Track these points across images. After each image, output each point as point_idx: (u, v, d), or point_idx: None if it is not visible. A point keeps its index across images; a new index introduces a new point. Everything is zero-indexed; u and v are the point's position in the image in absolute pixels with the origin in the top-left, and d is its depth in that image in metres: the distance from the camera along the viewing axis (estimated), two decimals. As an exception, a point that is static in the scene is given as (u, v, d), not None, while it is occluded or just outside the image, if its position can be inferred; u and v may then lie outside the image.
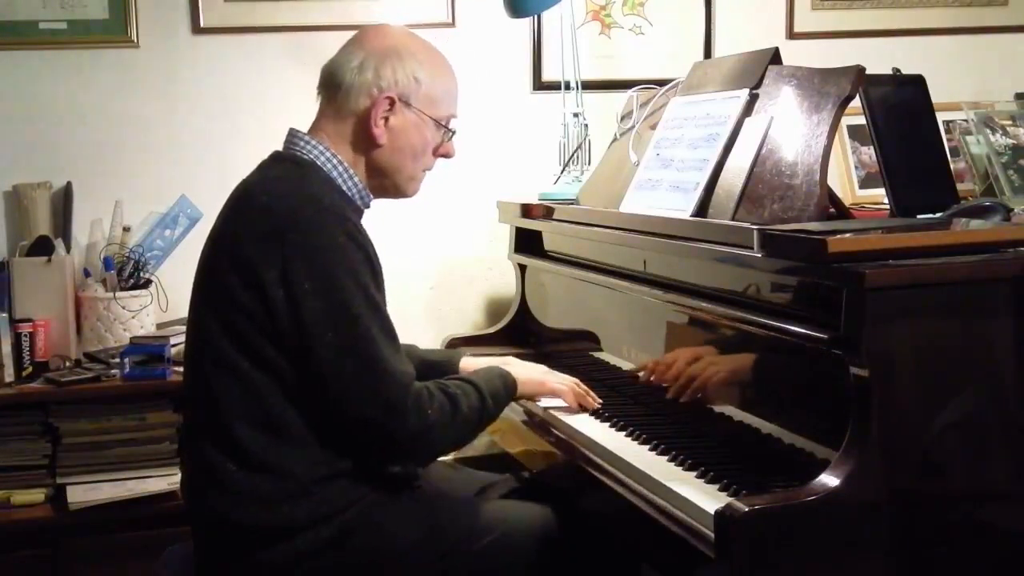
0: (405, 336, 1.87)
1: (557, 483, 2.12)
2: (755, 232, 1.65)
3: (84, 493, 2.46)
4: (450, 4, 2.97)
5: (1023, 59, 3.27)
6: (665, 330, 2.04)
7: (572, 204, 2.45)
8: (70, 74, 2.80)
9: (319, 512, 1.76)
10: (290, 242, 1.73)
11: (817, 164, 1.74)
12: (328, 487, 1.78)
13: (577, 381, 2.13)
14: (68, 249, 2.69)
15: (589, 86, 2.79)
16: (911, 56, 2.98)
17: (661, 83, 2.36)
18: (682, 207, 1.93)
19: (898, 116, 1.84)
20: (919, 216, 1.78)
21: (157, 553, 2.01)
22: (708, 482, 1.65)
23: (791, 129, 1.82)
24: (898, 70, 1.90)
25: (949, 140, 2.29)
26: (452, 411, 1.82)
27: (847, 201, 2.23)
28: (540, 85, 3.04)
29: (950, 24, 3.26)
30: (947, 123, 2.44)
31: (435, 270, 3.04)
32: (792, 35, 3.16)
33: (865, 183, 2.60)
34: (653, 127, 2.21)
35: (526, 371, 2.09)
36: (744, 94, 1.96)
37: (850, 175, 2.62)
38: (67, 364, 2.59)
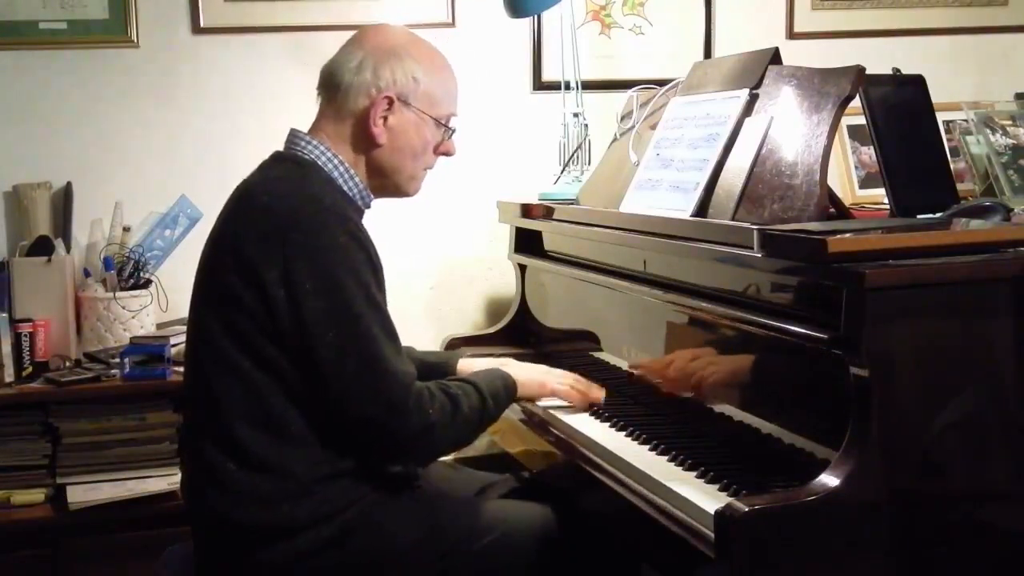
0: (405, 336, 1.87)
1: (557, 483, 2.12)
2: (755, 232, 1.65)
3: (84, 493, 2.46)
4: (450, 4, 2.97)
5: (1023, 59, 3.27)
6: (665, 330, 2.04)
7: (572, 204, 2.45)
8: (70, 74, 2.80)
9: (320, 512, 1.76)
10: (291, 242, 1.73)
11: (817, 164, 1.74)
12: (329, 487, 1.78)
13: (577, 377, 2.13)
14: (68, 249, 2.69)
15: (589, 86, 2.79)
16: (911, 56, 2.99)
17: (661, 83, 2.36)
18: (682, 207, 1.93)
19: (898, 116, 1.84)
20: (919, 216, 1.78)
21: (157, 553, 2.01)
22: (708, 482, 1.65)
23: (791, 129, 1.82)
24: (898, 70, 1.90)
25: (949, 140, 2.29)
26: (453, 411, 1.83)
27: (847, 201, 2.23)
28: (540, 85, 3.04)
29: (950, 24, 3.26)
30: (947, 123, 2.44)
31: (435, 270, 3.04)
32: (792, 35, 3.16)
33: (865, 183, 2.60)
34: (653, 127, 2.21)
35: (526, 372, 2.09)
36: (744, 94, 1.96)
37: (850, 175, 2.62)
38: (67, 364, 2.59)
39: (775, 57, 1.98)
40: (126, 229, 2.73)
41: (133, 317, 2.65)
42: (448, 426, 1.82)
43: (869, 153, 2.55)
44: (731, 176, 1.89)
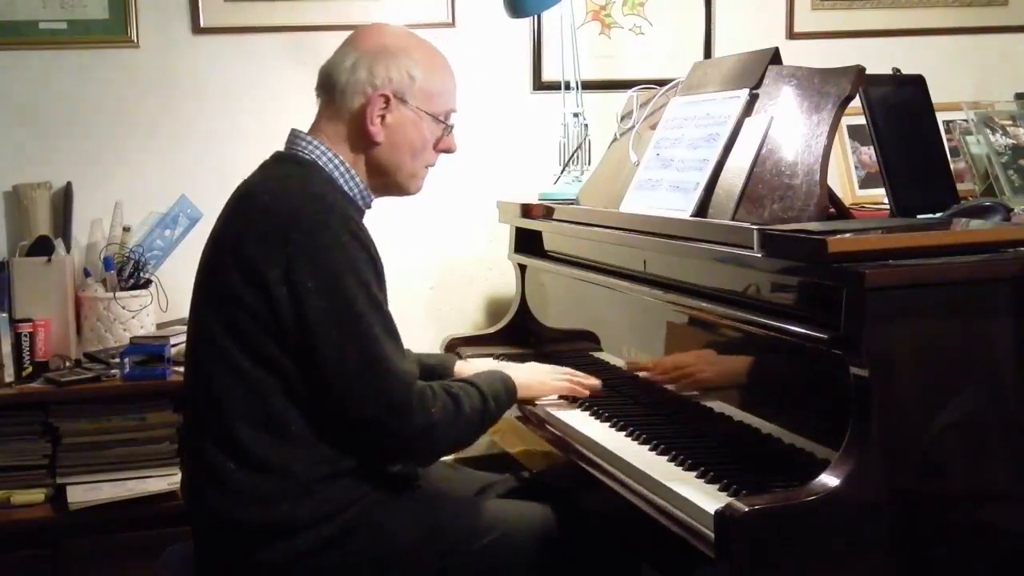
0: (405, 336, 1.87)
1: (557, 483, 2.12)
2: (755, 232, 1.65)
3: (84, 493, 2.46)
4: (450, 4, 2.97)
5: (1023, 59, 3.27)
6: (665, 330, 2.04)
7: (572, 204, 2.45)
8: (70, 74, 2.80)
9: (320, 511, 1.76)
10: (293, 241, 1.73)
11: (817, 164, 1.74)
12: (329, 486, 1.78)
13: (571, 371, 2.15)
14: (68, 249, 2.69)
15: (589, 86, 2.79)
16: (911, 56, 2.98)
17: (661, 83, 2.36)
18: (682, 207, 1.93)
19: (898, 116, 1.84)
20: (919, 216, 1.78)
21: (157, 553, 2.01)
22: (708, 482, 1.65)
23: (791, 129, 1.82)
24: (898, 70, 1.90)
25: (949, 140, 2.29)
26: (455, 411, 1.83)
27: (847, 201, 2.23)
28: (540, 85, 3.04)
29: (950, 24, 3.26)
30: (947, 123, 2.44)
31: (435, 270, 3.04)
32: (792, 35, 3.16)
33: (865, 183, 2.60)
34: (653, 127, 2.21)
35: (525, 373, 2.10)
36: (744, 94, 1.96)
37: (850, 175, 2.62)
38: (67, 364, 2.59)
39: (775, 57, 1.98)
40: (126, 229, 2.73)
41: (133, 317, 2.65)
42: (451, 425, 1.82)
43: (869, 153, 2.55)
44: (731, 176, 1.89)
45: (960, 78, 3.07)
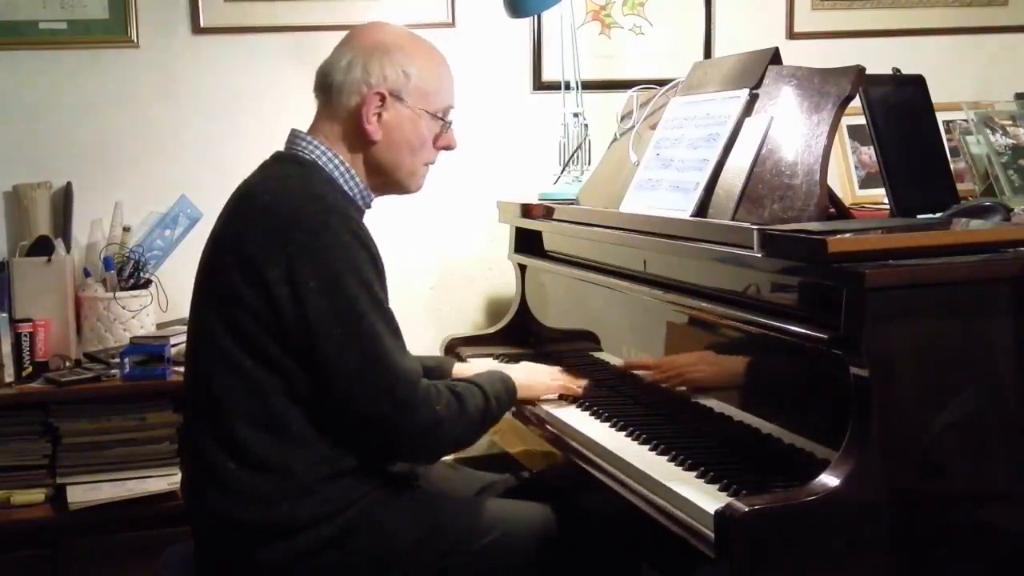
0: (405, 336, 1.87)
1: (557, 483, 2.12)
2: (755, 232, 1.65)
3: (84, 493, 2.46)
4: (450, 4, 2.97)
5: (1023, 59, 3.27)
6: (665, 330, 2.04)
7: (572, 204, 2.45)
8: (70, 74, 2.80)
9: (321, 511, 1.76)
10: (294, 241, 1.73)
11: (817, 164, 1.74)
12: (330, 486, 1.78)
13: (560, 369, 2.19)
14: (68, 249, 2.69)
15: (589, 86, 2.79)
16: (911, 56, 2.98)
17: (661, 83, 2.36)
18: (682, 207, 1.93)
19: (898, 116, 1.84)
20: (919, 216, 1.78)
21: (157, 553, 2.01)
22: (708, 482, 1.65)
23: (791, 129, 1.82)
24: (898, 70, 1.90)
25: (949, 140, 2.29)
26: (460, 408, 1.83)
27: (847, 201, 2.23)
28: (540, 85, 3.04)
29: (950, 24, 3.26)
30: (947, 123, 2.44)
31: (435, 270, 3.04)
32: (792, 35, 3.16)
33: (865, 183, 2.60)
34: (653, 127, 2.21)
35: (523, 374, 2.11)
36: (744, 94, 1.96)
37: (850, 175, 2.62)
38: (67, 364, 2.59)
39: (775, 57, 1.98)
40: (126, 229, 2.73)
41: (133, 317, 2.65)
42: (455, 423, 1.82)
43: (869, 153, 2.55)
44: (731, 176, 1.89)
45: (960, 78, 3.07)
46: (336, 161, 1.89)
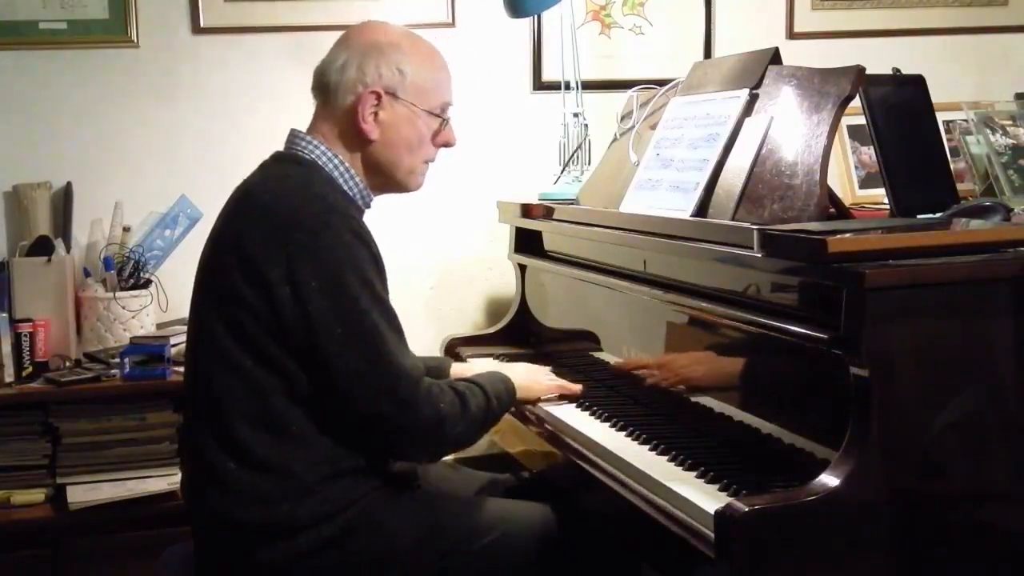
0: (405, 336, 1.87)
1: (557, 483, 2.12)
2: (755, 232, 1.65)
3: (84, 493, 2.46)
4: (450, 4, 2.97)
5: (1023, 59, 3.27)
6: (665, 330, 2.04)
7: (572, 204, 2.45)
8: (70, 74, 2.80)
9: (321, 511, 1.76)
10: (295, 240, 1.73)
11: (817, 164, 1.74)
12: (330, 486, 1.78)
13: (547, 369, 2.22)
14: (68, 249, 2.69)
15: (589, 86, 2.79)
16: (911, 56, 2.99)
17: (661, 83, 2.36)
18: (682, 207, 1.93)
19: (898, 116, 1.84)
20: (919, 216, 1.78)
21: (157, 553, 2.01)
22: (708, 482, 1.65)
23: (791, 129, 1.82)
24: (898, 70, 1.90)
25: (949, 140, 2.29)
26: (462, 407, 1.83)
27: (847, 201, 2.23)
28: (540, 85, 3.04)
29: (950, 24, 3.26)
30: (947, 123, 2.44)
31: (435, 270, 3.04)
32: (792, 35, 3.16)
33: (865, 183, 2.60)
34: (653, 127, 2.21)
35: (522, 375, 2.12)
36: (744, 94, 1.96)
37: (850, 175, 2.62)
38: (67, 364, 2.59)
39: (775, 57, 1.98)
40: (126, 229, 2.73)
41: (133, 317, 2.65)
42: (458, 421, 1.82)
43: (869, 153, 2.55)
44: (731, 176, 1.89)
45: (960, 78, 3.07)
46: (335, 161, 1.89)
